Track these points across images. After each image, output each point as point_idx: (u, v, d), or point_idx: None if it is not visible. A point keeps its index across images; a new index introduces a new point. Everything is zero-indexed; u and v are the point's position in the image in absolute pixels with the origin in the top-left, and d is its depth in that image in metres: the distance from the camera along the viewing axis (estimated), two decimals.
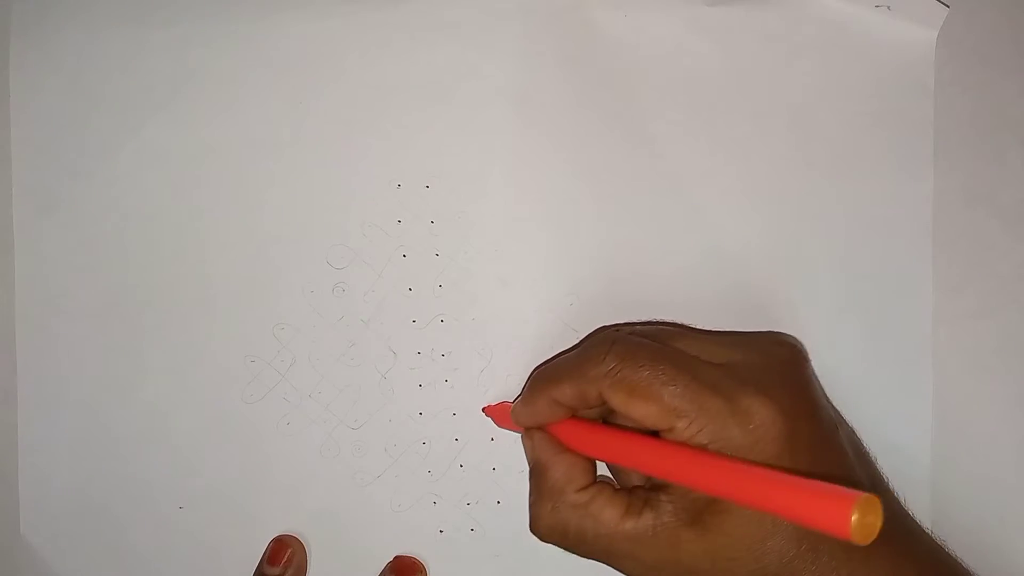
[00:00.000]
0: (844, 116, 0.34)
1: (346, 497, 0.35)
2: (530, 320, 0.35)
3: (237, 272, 0.35)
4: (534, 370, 0.33)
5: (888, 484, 0.31)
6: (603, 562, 0.29)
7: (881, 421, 0.33)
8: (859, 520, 0.20)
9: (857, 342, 0.34)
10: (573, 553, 0.29)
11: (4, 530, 0.36)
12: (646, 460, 0.27)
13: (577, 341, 0.34)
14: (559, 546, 0.29)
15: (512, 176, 0.34)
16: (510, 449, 0.35)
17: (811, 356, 0.32)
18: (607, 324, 0.34)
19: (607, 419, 0.31)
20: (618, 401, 0.28)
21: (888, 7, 0.34)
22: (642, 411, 0.27)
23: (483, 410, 0.35)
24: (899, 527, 0.30)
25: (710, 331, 0.33)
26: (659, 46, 0.34)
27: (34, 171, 0.35)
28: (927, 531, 0.31)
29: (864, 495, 0.20)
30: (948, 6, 0.34)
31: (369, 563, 0.35)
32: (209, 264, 0.35)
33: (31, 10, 0.35)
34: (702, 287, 0.34)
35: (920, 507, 0.33)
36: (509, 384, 0.35)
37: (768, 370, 0.28)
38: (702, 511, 0.27)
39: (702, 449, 0.26)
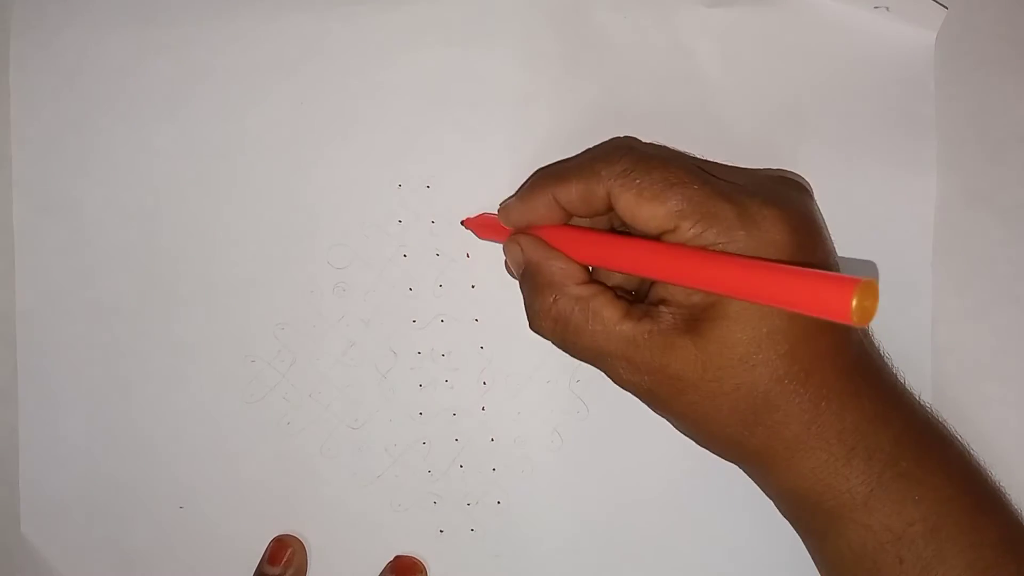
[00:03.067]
0: (844, 117, 0.35)
1: (346, 497, 0.35)
2: None
3: (237, 272, 0.35)
4: (535, 172, 0.33)
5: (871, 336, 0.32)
6: (592, 362, 0.29)
7: None
8: (859, 303, 0.20)
9: None
10: (566, 350, 0.29)
11: (4, 530, 0.36)
12: (646, 260, 0.27)
13: None
14: (557, 342, 0.29)
15: (513, 176, 0.34)
16: (510, 449, 0.35)
17: None
18: None
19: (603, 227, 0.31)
20: (626, 202, 0.27)
21: (887, 8, 0.34)
22: (649, 212, 0.27)
23: (462, 222, 0.34)
24: (888, 379, 0.30)
25: (725, 164, 0.33)
26: (659, 46, 0.34)
27: (34, 171, 0.35)
28: (915, 393, 0.31)
29: (864, 280, 0.21)
30: (946, 7, 0.34)
31: (369, 563, 0.35)
32: (209, 264, 0.35)
33: (32, 10, 0.35)
34: None
35: None
36: (509, 384, 0.35)
37: (777, 190, 0.29)
38: (699, 318, 0.27)
39: (705, 248, 0.26)
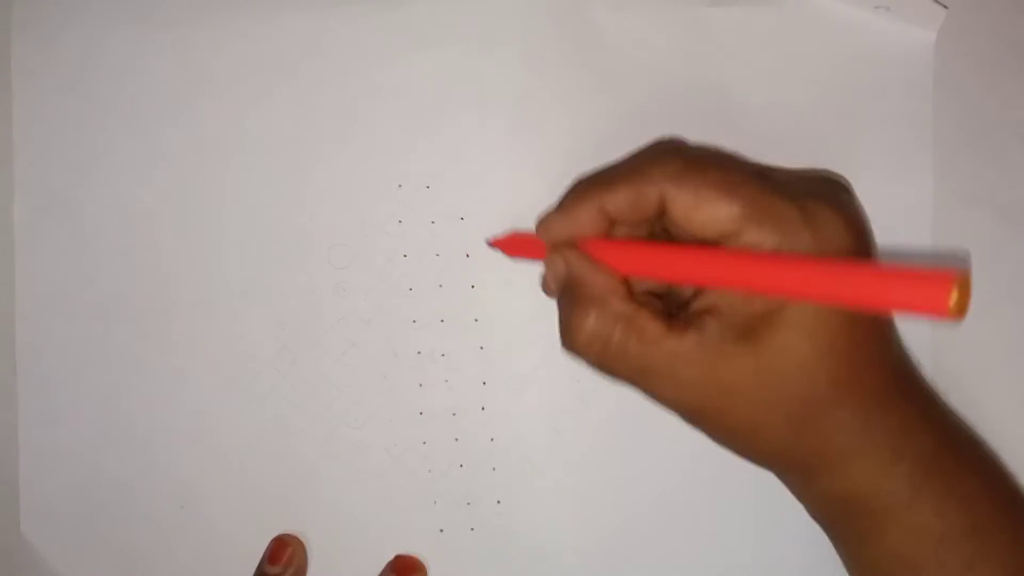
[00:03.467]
0: (843, 116, 0.35)
1: (346, 497, 0.35)
2: (530, 320, 0.35)
3: (237, 272, 0.35)
4: (574, 181, 0.30)
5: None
6: (635, 384, 0.27)
7: None
8: (958, 297, 0.20)
9: None
10: (603, 369, 0.27)
11: (4, 530, 0.36)
12: (718, 270, 0.25)
13: None
14: (593, 362, 0.27)
15: (512, 176, 0.35)
16: (510, 449, 0.35)
17: None
18: None
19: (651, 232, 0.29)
20: (683, 204, 0.26)
21: (887, 8, 0.34)
22: (710, 214, 0.25)
23: (490, 243, 0.33)
24: (925, 383, 0.31)
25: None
26: (659, 46, 0.34)
27: (35, 171, 0.35)
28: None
29: (960, 272, 0.20)
30: (946, 7, 0.34)
31: (369, 563, 0.35)
32: (209, 264, 0.35)
33: (33, 9, 0.35)
34: None
35: None
36: (509, 384, 0.35)
37: (829, 191, 0.28)
38: (755, 327, 0.25)
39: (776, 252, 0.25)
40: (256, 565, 0.35)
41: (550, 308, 0.35)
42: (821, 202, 0.26)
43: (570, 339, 0.27)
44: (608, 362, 0.27)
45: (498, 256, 0.35)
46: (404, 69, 0.35)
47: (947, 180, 0.34)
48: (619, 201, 0.27)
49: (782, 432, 0.26)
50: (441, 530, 0.35)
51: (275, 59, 0.35)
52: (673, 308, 0.28)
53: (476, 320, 0.35)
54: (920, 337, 0.34)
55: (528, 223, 0.34)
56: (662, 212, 0.27)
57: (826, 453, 0.27)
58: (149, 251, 0.35)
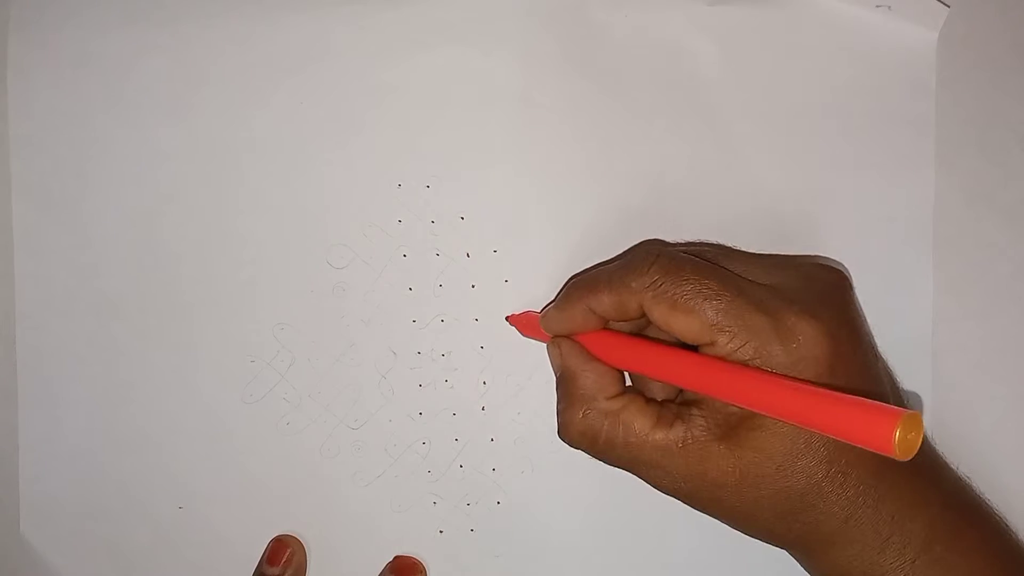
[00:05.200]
0: (844, 116, 0.34)
1: (346, 497, 0.35)
2: None
3: (237, 272, 0.35)
4: (570, 278, 0.33)
5: None
6: (629, 470, 0.29)
7: None
8: (902, 436, 0.20)
9: None
10: (600, 460, 0.29)
11: (4, 530, 0.36)
12: (685, 374, 0.27)
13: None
14: (588, 452, 0.29)
15: (512, 176, 0.34)
16: (510, 449, 0.35)
17: None
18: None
19: (639, 333, 0.31)
20: (660, 313, 0.27)
21: (889, 7, 0.34)
22: (684, 325, 0.27)
23: (507, 318, 0.34)
24: (926, 458, 0.30)
25: (755, 253, 0.33)
26: (659, 46, 0.34)
27: (34, 170, 0.35)
28: (953, 466, 0.31)
29: (907, 411, 0.21)
30: (948, 6, 0.34)
31: (369, 563, 0.35)
32: (209, 264, 0.35)
33: (30, 8, 0.35)
34: None
35: None
36: (509, 384, 0.35)
37: (813, 292, 0.28)
38: (735, 426, 0.27)
39: (743, 364, 0.26)
40: (256, 565, 0.35)
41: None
42: (798, 313, 0.26)
43: (564, 432, 0.30)
44: (600, 454, 0.29)
45: (498, 257, 0.35)
46: (404, 69, 0.35)
47: (948, 179, 0.34)
48: (604, 306, 0.29)
49: (770, 520, 0.28)
50: (441, 530, 0.35)
51: (275, 59, 0.35)
52: (670, 391, 0.30)
53: (476, 320, 0.35)
54: (920, 337, 0.34)
55: (528, 224, 0.35)
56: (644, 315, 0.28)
57: (812, 540, 0.28)
58: (149, 251, 0.35)
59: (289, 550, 0.35)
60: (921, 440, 0.21)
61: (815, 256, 0.34)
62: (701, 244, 0.34)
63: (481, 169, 0.35)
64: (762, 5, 0.34)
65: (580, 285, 0.30)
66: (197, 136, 0.35)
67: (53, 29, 0.35)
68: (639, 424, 0.28)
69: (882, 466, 0.27)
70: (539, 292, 0.34)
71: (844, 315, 0.28)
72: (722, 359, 0.26)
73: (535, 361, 0.35)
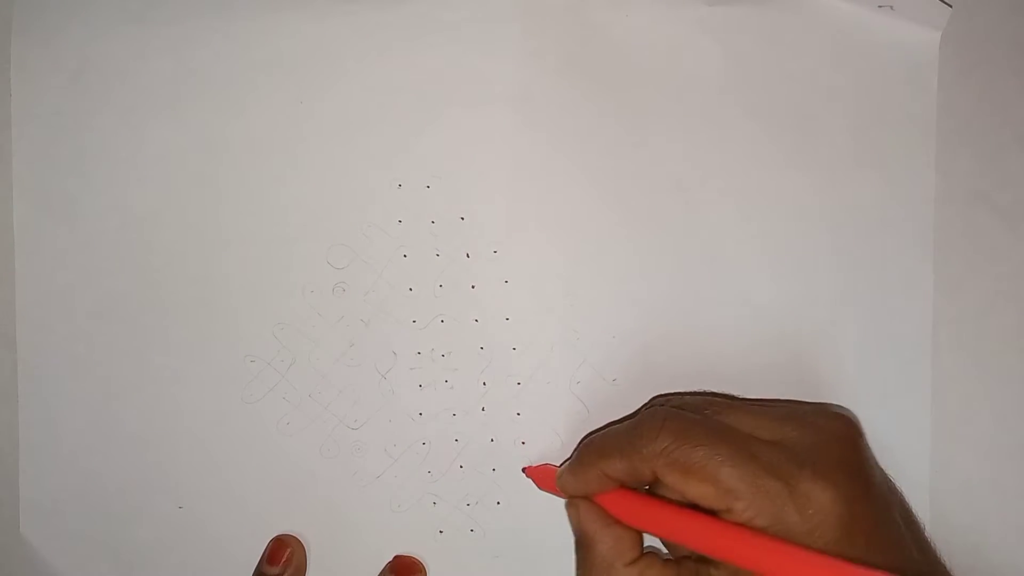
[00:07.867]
0: (846, 115, 0.34)
1: (346, 497, 0.35)
2: (530, 320, 0.35)
3: (237, 272, 0.35)
4: (584, 437, 0.33)
5: (935, 549, 0.31)
6: None
7: (880, 421, 0.33)
8: None
9: (857, 341, 0.34)
10: None
11: (4, 530, 0.36)
12: (702, 539, 0.27)
13: (578, 342, 0.34)
14: None
15: (513, 176, 0.34)
16: (510, 450, 0.35)
17: (811, 355, 0.32)
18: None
19: (656, 491, 0.31)
20: (673, 480, 0.28)
21: (891, 7, 0.34)
22: (699, 491, 0.27)
23: (524, 470, 0.35)
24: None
25: (760, 402, 0.32)
26: (659, 46, 0.34)
27: (35, 171, 0.35)
28: None
29: None
30: (951, 6, 0.34)
31: (369, 563, 0.35)
32: (209, 264, 0.35)
33: (32, 9, 0.35)
34: (701, 287, 0.34)
35: (919, 507, 0.33)
36: (509, 384, 0.35)
37: (824, 449, 0.28)
38: None
39: (760, 532, 0.26)
40: (255, 565, 0.35)
41: (550, 308, 0.35)
42: (810, 477, 0.27)
43: None
44: None
45: (498, 257, 0.35)
46: (404, 68, 0.35)
47: (949, 179, 0.34)
48: (618, 470, 0.29)
49: None
50: (441, 530, 0.35)
51: (275, 59, 0.35)
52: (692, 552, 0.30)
53: (476, 320, 0.35)
54: (920, 337, 0.34)
55: (528, 224, 0.35)
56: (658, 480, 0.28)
57: None
58: (149, 251, 0.35)
59: (289, 550, 0.35)
60: None
61: (822, 404, 0.33)
62: (703, 394, 0.34)
63: (481, 169, 0.35)
64: (762, 5, 0.34)
65: (592, 449, 0.30)
66: (197, 136, 0.35)
67: (55, 30, 0.35)
68: None
69: None
70: (539, 292, 0.34)
71: (857, 471, 0.28)
72: (740, 526, 0.26)
73: (535, 361, 0.35)
